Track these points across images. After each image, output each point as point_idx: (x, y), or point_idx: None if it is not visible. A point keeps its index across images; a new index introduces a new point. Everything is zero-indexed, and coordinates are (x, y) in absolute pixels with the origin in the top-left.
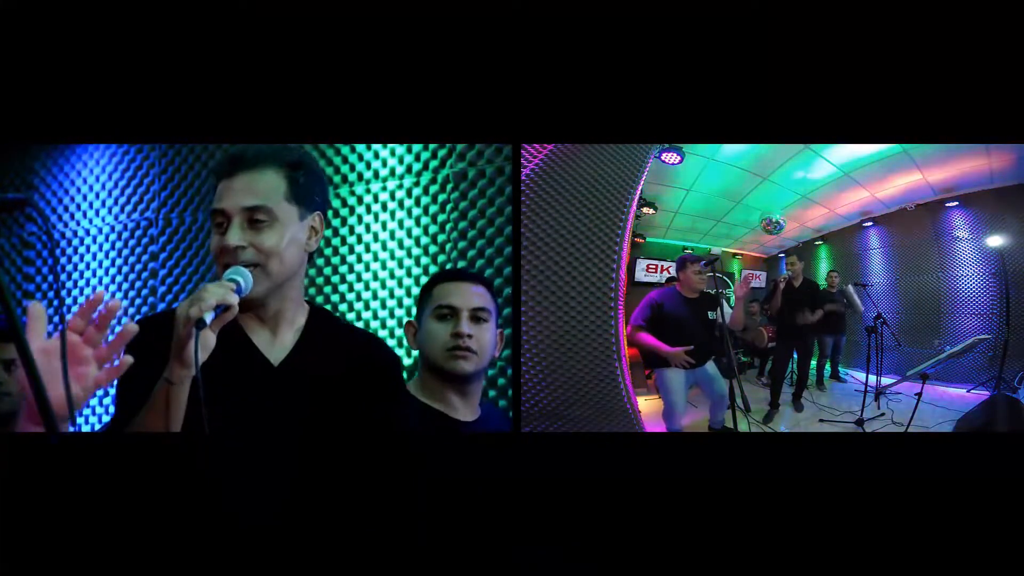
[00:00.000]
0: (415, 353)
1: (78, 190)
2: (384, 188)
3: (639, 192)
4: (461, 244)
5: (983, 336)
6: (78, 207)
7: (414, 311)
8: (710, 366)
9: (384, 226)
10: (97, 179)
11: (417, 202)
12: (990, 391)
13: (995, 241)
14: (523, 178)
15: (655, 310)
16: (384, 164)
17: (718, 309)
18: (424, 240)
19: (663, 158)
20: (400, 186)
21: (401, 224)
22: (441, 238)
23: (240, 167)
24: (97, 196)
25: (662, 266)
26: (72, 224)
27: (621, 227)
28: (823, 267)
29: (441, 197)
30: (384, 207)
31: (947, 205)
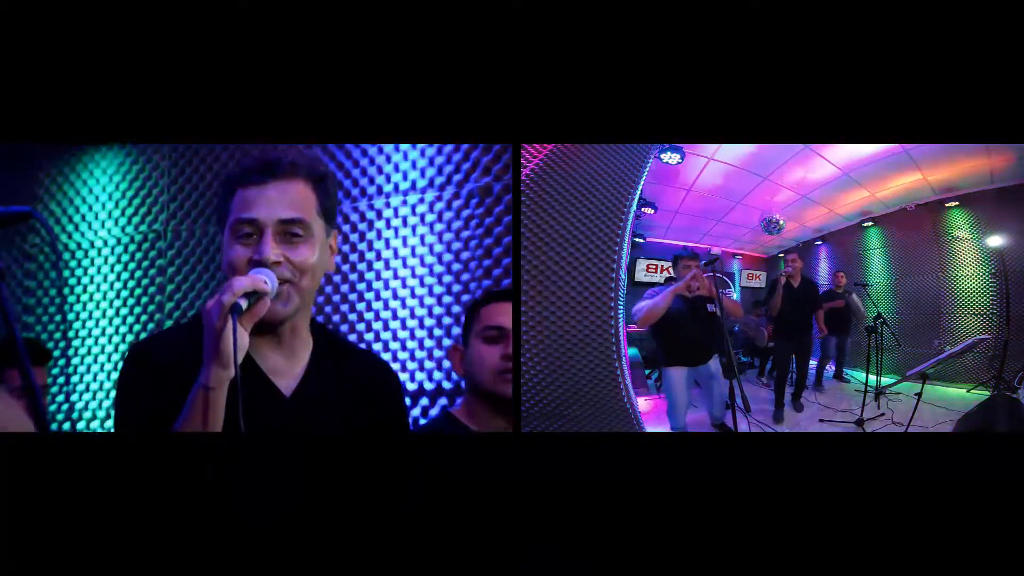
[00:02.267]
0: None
1: (83, 200)
2: (404, 202)
3: (639, 192)
4: (486, 262)
5: (983, 336)
6: (83, 218)
7: (436, 332)
8: (713, 364)
9: (404, 242)
10: (103, 188)
11: (440, 217)
12: (990, 391)
13: (995, 241)
14: (523, 178)
15: None
16: (405, 177)
17: (716, 301)
18: (447, 257)
19: (663, 158)
20: (421, 200)
21: (423, 240)
22: (465, 255)
23: (273, 174)
24: (103, 206)
25: (662, 266)
26: (76, 235)
27: (621, 227)
28: (823, 267)
29: (465, 212)
30: (405, 222)
31: (947, 205)
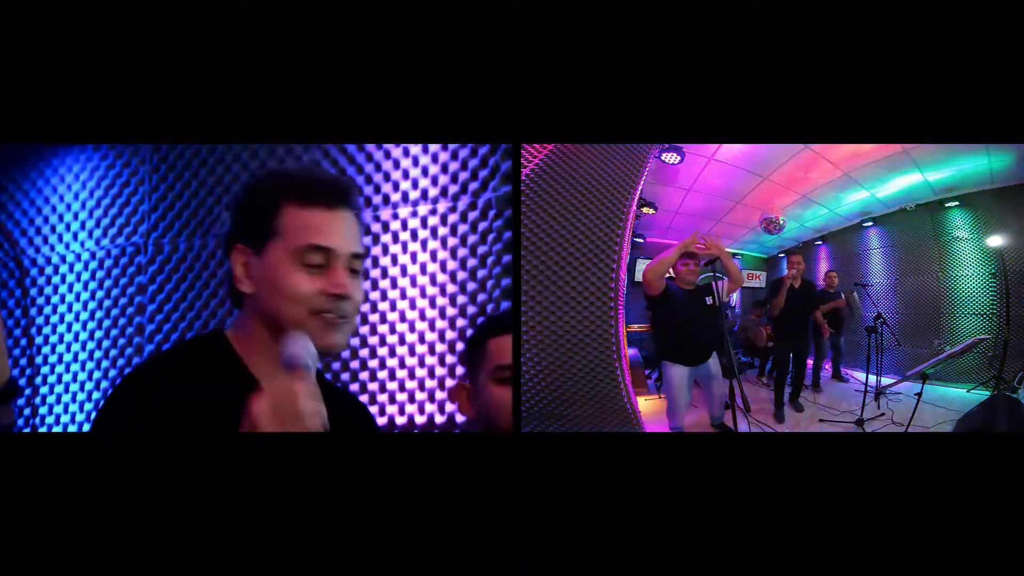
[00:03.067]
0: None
1: (53, 209)
2: (414, 214)
3: (639, 192)
4: (505, 281)
5: (983, 336)
6: (52, 229)
7: (448, 359)
8: (713, 363)
9: (414, 258)
10: (76, 197)
11: (453, 231)
12: (990, 391)
13: (995, 241)
14: (523, 178)
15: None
16: (415, 185)
17: (713, 293)
18: (461, 276)
19: (663, 158)
20: (433, 211)
21: (434, 256)
22: (481, 274)
23: (343, 201)
24: (76, 217)
25: None
26: (45, 249)
27: (621, 227)
28: (823, 267)
29: (482, 225)
30: (414, 236)
31: (947, 205)
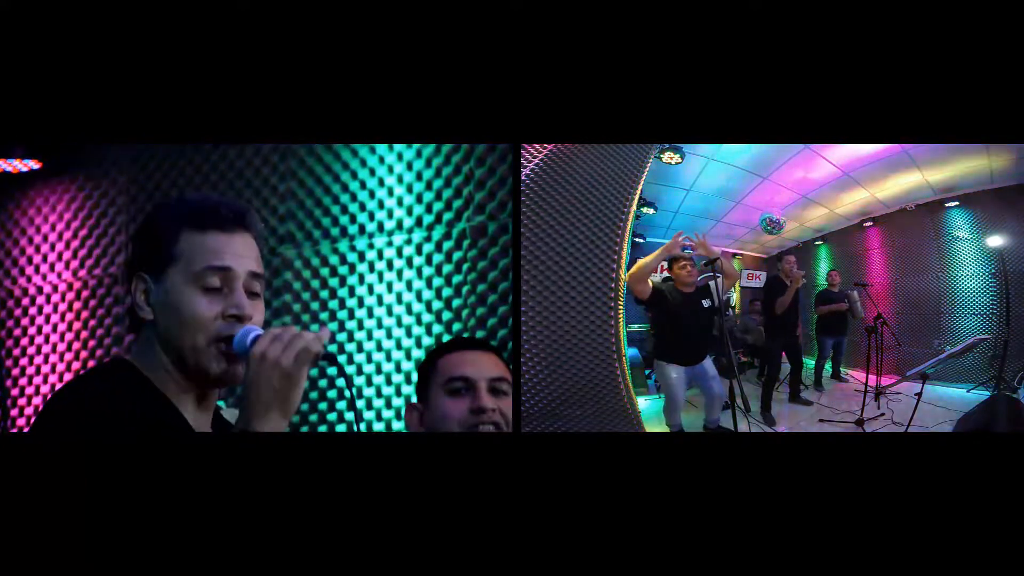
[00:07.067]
0: None
1: (29, 240)
2: (390, 243)
3: (639, 192)
4: (480, 311)
5: (983, 336)
6: (29, 260)
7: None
8: (708, 364)
9: (390, 287)
10: (52, 227)
11: (428, 260)
12: (990, 391)
13: (995, 241)
14: (523, 178)
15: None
16: (390, 215)
17: (711, 294)
18: (436, 305)
19: (663, 158)
20: (408, 241)
21: (409, 286)
22: (457, 303)
23: (241, 224)
24: (52, 247)
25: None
26: (22, 281)
27: (621, 227)
28: (823, 267)
29: (456, 255)
30: (390, 265)
31: (947, 205)
